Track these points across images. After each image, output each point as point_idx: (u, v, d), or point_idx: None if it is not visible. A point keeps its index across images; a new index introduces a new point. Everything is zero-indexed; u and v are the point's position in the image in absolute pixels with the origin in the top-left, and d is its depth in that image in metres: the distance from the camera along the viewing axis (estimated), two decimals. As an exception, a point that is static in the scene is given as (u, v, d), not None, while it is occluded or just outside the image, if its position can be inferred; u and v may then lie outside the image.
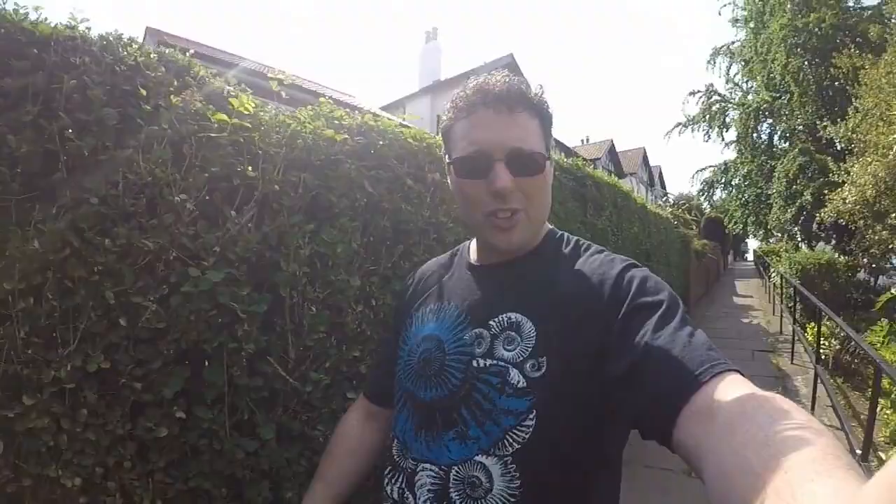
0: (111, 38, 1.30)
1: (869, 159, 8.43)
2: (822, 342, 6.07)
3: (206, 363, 1.26)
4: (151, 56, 1.33)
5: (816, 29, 15.42)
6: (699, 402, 0.53)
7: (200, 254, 1.24)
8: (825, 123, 12.52)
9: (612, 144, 29.18)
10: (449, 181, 0.84)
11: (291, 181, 1.41)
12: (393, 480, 0.82)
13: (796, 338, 6.59)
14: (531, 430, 0.70)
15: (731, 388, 0.53)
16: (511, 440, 0.71)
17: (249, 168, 1.36)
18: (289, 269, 1.36)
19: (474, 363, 0.77)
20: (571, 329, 0.71)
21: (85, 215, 1.13)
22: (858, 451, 2.77)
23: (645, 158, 35.30)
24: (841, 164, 10.95)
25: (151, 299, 1.16)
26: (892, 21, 10.48)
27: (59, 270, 1.11)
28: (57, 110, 1.13)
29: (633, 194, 6.12)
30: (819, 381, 4.54)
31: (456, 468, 0.74)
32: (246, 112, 1.36)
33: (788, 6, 15.91)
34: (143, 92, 1.24)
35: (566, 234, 0.89)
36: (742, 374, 0.56)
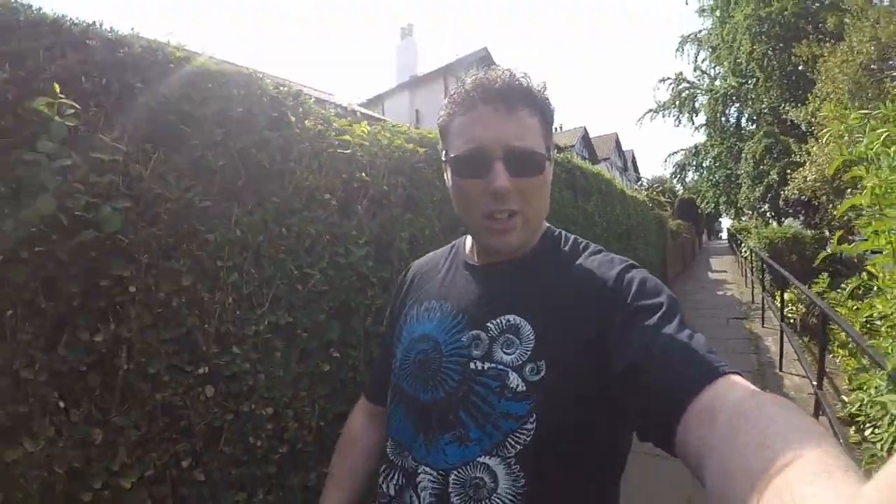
0: (252, 72, 1.72)
1: (826, 140, 9.17)
2: (791, 308, 6.78)
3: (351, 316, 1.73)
4: (282, 88, 1.77)
5: (779, 17, 16.24)
6: (701, 404, 0.53)
7: (342, 237, 1.70)
8: (787, 108, 13.34)
9: (586, 131, 29.86)
10: (446, 178, 0.82)
11: (393, 183, 1.89)
12: (389, 478, 0.82)
13: (766, 304, 7.28)
14: (532, 432, 0.70)
15: (733, 389, 0.53)
16: (513, 442, 0.71)
17: (363, 174, 1.82)
18: (397, 247, 1.83)
19: (472, 365, 0.76)
20: (570, 331, 0.71)
21: (269, 210, 1.57)
22: (815, 382, 3.37)
23: (618, 144, 36.14)
24: (803, 145, 11.78)
25: (317, 270, 1.62)
26: (851, 6, 11.18)
27: (255, 251, 1.54)
28: (234, 133, 1.55)
29: (614, 181, 6.73)
30: (785, 338, 5.19)
31: (455, 472, 0.73)
32: (363, 134, 1.82)
33: (752, -4, 16.71)
34: (293, 118, 1.69)
35: (564, 233, 0.87)
36: (742, 376, 0.57)
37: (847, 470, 0.36)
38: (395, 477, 0.81)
